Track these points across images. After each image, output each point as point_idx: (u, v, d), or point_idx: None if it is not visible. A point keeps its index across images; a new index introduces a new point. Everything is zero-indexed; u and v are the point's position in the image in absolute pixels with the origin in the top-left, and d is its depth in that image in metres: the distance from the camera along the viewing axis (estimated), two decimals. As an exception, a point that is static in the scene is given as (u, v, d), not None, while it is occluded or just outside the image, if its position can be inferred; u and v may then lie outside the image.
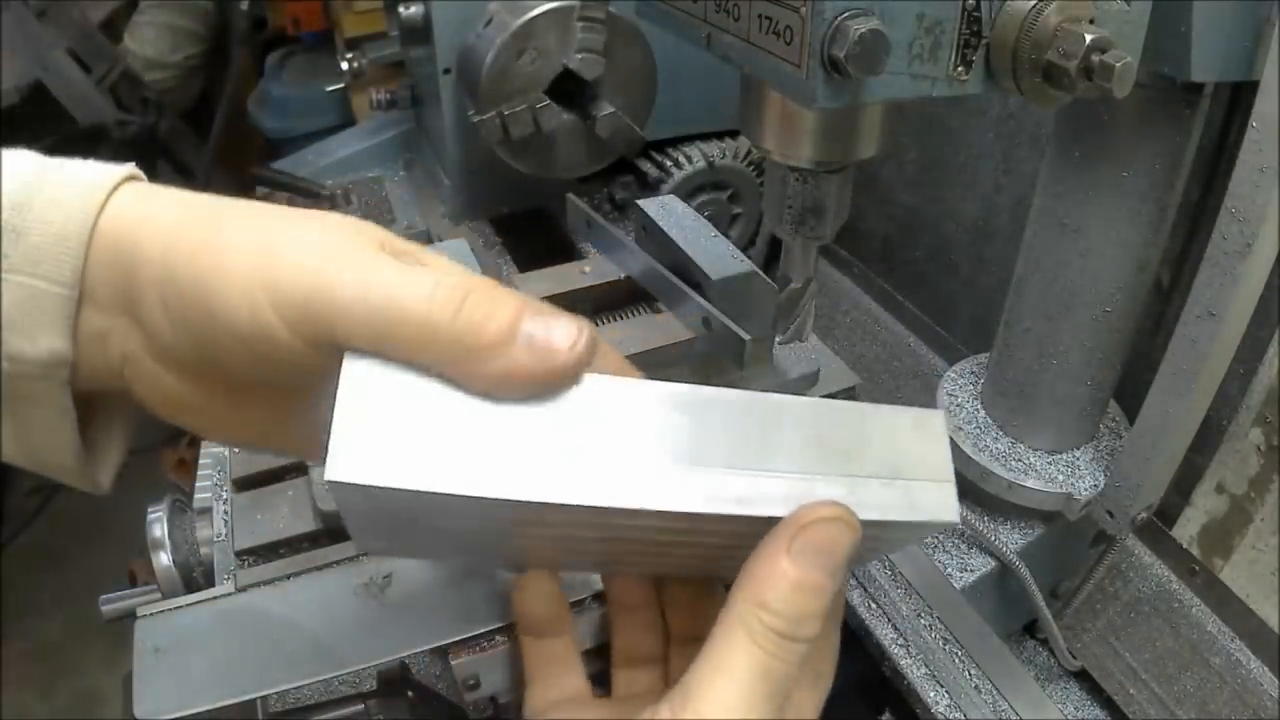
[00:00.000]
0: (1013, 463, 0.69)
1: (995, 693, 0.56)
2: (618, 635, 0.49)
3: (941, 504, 0.39)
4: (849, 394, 0.71)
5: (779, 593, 0.34)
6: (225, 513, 0.61)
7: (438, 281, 0.33)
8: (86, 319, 0.36)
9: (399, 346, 0.33)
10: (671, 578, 0.47)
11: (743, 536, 0.37)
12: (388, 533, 0.41)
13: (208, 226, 0.35)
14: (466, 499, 0.33)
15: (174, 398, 0.39)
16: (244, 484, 0.60)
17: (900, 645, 0.59)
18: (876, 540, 0.41)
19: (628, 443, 0.35)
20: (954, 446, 0.70)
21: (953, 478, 0.40)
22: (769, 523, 0.36)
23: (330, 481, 0.32)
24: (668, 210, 0.76)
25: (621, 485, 0.34)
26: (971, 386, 0.75)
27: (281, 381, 0.37)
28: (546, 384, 0.34)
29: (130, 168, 0.37)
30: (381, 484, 0.32)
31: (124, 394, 0.40)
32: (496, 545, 0.40)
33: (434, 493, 0.33)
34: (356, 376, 0.34)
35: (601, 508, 0.34)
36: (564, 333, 0.34)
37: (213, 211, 0.36)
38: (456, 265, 0.36)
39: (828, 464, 0.38)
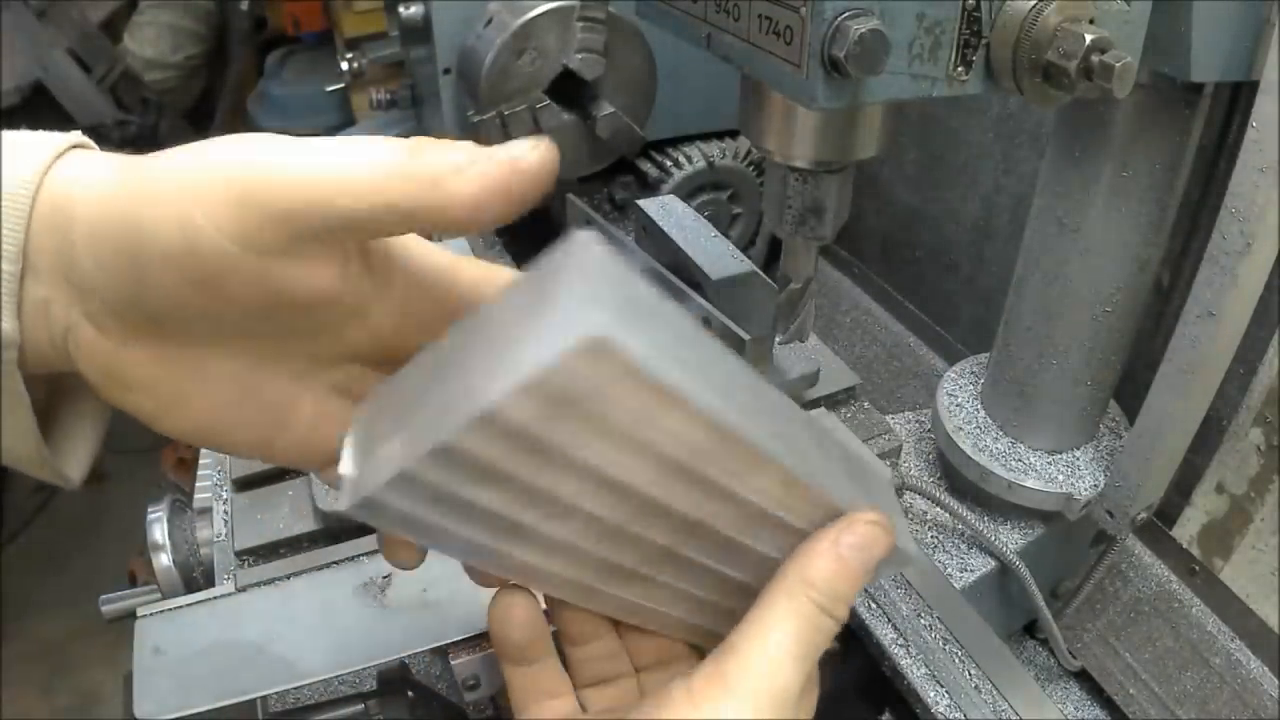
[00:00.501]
0: (1013, 463, 0.69)
1: (995, 693, 0.56)
2: (578, 668, 0.45)
3: (908, 542, 0.42)
4: (849, 394, 0.71)
5: (825, 572, 0.38)
6: (225, 513, 0.61)
7: (383, 139, 0.32)
8: (29, 290, 0.33)
9: (356, 203, 0.31)
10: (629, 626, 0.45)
11: (763, 536, 0.38)
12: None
13: (134, 168, 0.33)
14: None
15: (118, 371, 0.36)
16: (244, 484, 0.60)
17: (900, 645, 0.59)
18: None
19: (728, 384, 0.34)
20: (954, 446, 0.71)
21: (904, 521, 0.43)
22: (798, 532, 0.39)
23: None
24: (668, 210, 0.76)
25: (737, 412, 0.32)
26: (971, 386, 0.75)
27: (220, 310, 0.33)
28: (521, 193, 0.32)
29: (76, 135, 0.35)
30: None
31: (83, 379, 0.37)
32: (507, 542, 0.38)
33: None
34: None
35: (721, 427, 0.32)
36: (522, 144, 0.32)
37: (141, 159, 0.33)
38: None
39: (854, 483, 0.41)
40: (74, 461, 0.40)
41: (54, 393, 0.38)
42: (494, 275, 0.41)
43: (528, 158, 0.32)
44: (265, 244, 0.31)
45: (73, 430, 0.40)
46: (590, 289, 0.29)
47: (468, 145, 0.32)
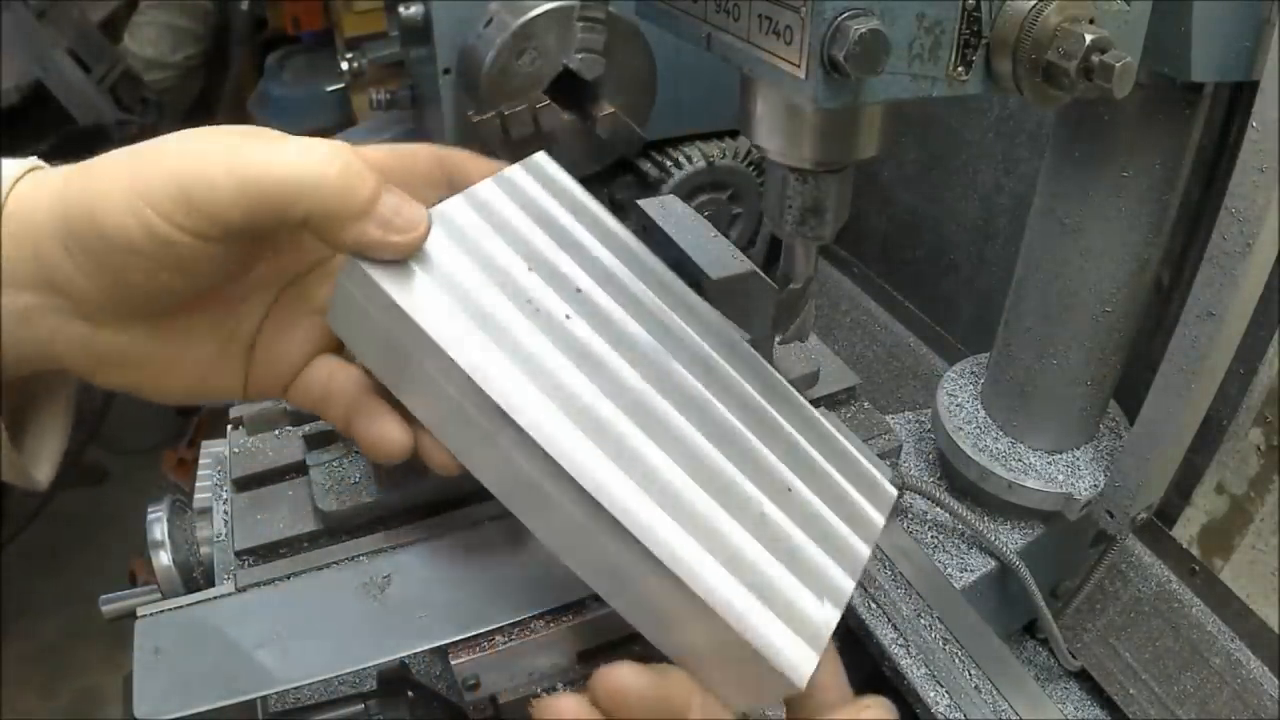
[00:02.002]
0: (1013, 463, 0.69)
1: (995, 693, 0.56)
2: None
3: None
4: (849, 394, 0.71)
5: None
6: (225, 513, 0.61)
7: (309, 145, 0.37)
8: (9, 301, 0.37)
9: (282, 211, 0.37)
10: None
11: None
12: (383, 356, 0.42)
13: (86, 170, 0.38)
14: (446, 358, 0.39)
15: (108, 354, 0.40)
16: (244, 484, 0.59)
17: (900, 645, 0.59)
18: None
19: None
20: (954, 446, 0.70)
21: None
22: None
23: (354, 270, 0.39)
24: (668, 210, 0.76)
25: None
26: (971, 386, 0.75)
27: (193, 286, 0.39)
28: (408, 245, 0.40)
29: (33, 160, 0.40)
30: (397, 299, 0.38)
31: (57, 384, 0.41)
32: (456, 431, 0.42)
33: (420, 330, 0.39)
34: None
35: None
36: (410, 217, 0.40)
37: (90, 162, 0.38)
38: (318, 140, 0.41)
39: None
40: (41, 465, 0.43)
41: (22, 399, 0.40)
42: (409, 159, 0.46)
43: (409, 239, 0.40)
44: (214, 235, 0.37)
45: (40, 435, 0.43)
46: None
47: (375, 182, 0.39)
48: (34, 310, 0.38)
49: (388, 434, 0.43)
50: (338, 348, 0.47)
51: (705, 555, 0.40)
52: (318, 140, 0.39)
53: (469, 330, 0.40)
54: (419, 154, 0.46)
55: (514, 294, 0.42)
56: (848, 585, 0.43)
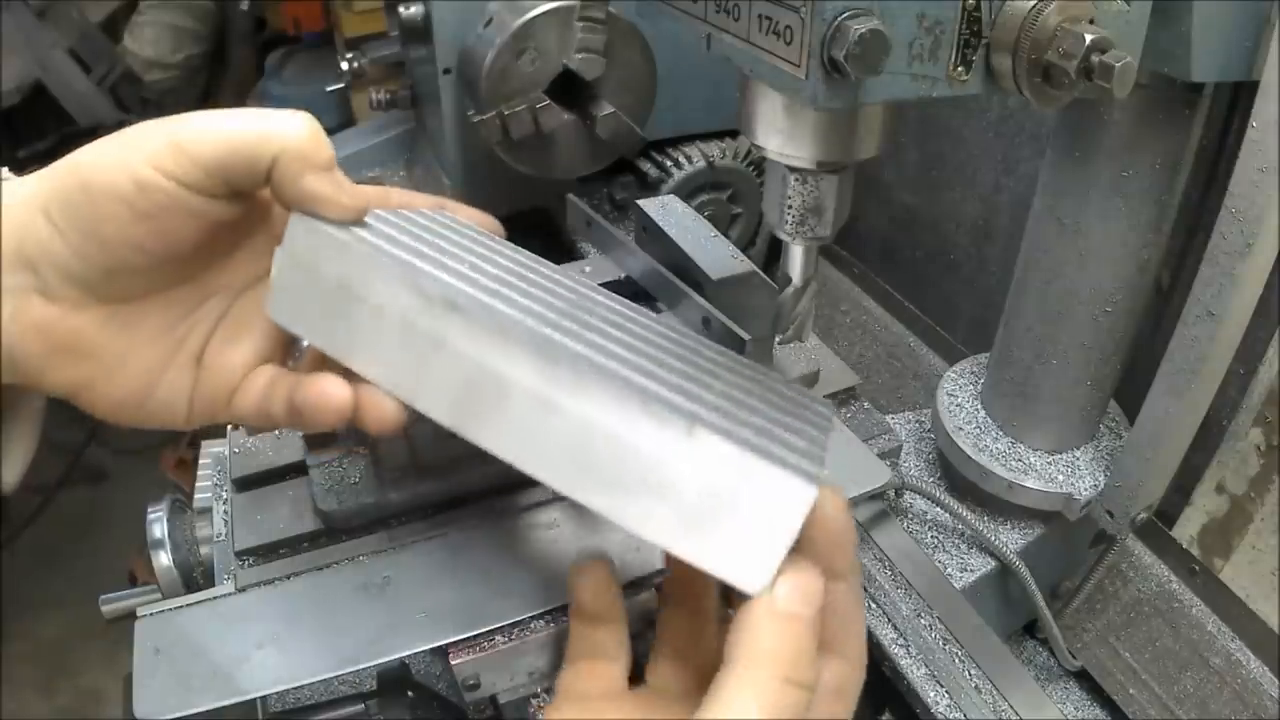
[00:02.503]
0: (1013, 463, 0.69)
1: (995, 693, 0.56)
2: (667, 627, 0.49)
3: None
4: (849, 394, 0.71)
5: (774, 642, 0.38)
6: (225, 513, 0.61)
7: (262, 114, 0.43)
8: None
9: (258, 149, 0.42)
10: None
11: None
12: (328, 311, 0.44)
13: (70, 156, 0.41)
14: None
15: (62, 340, 0.42)
16: (244, 484, 0.60)
17: (900, 645, 0.59)
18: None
19: None
20: (954, 446, 0.71)
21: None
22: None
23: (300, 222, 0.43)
24: (668, 210, 0.76)
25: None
26: (971, 386, 0.75)
27: (163, 245, 0.42)
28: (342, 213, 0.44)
29: (4, 170, 0.44)
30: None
31: (26, 384, 0.43)
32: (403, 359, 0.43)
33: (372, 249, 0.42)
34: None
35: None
36: (356, 189, 0.44)
37: (73, 153, 0.42)
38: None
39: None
40: (10, 467, 0.45)
41: None
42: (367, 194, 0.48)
43: (340, 203, 0.44)
44: (195, 182, 0.41)
45: (12, 437, 0.45)
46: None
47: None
48: (4, 290, 0.41)
49: (327, 390, 0.44)
50: (280, 361, 0.49)
51: (676, 395, 0.40)
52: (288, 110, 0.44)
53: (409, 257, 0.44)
54: (376, 195, 0.49)
55: (421, 252, 0.45)
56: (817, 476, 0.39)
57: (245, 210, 0.46)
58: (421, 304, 0.42)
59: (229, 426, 0.62)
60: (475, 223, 0.55)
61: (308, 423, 0.45)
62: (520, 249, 0.54)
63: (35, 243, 0.40)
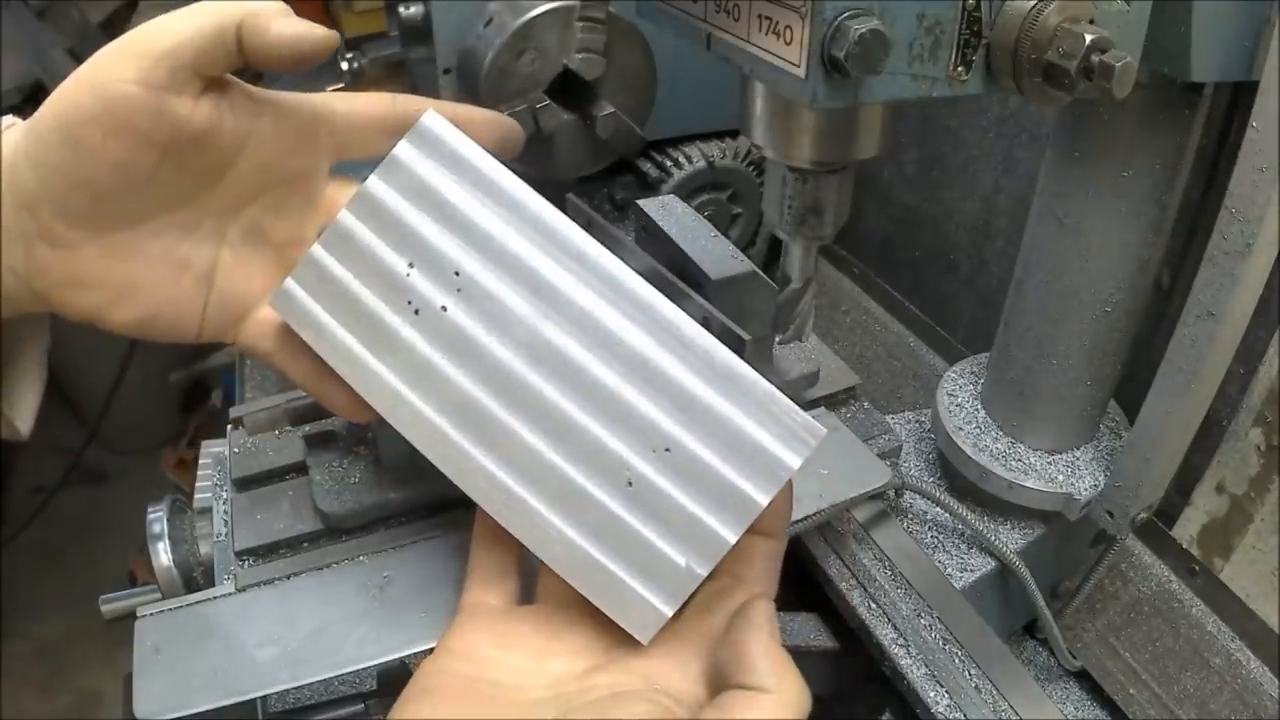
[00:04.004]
0: (1013, 463, 0.69)
1: (995, 693, 0.56)
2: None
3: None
4: (849, 394, 0.71)
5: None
6: (225, 513, 0.61)
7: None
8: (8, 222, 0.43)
9: (211, 41, 0.43)
10: None
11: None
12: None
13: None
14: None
15: (73, 273, 0.44)
16: (244, 484, 0.60)
17: (900, 645, 0.59)
18: None
19: None
20: (954, 446, 0.70)
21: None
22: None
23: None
24: (668, 210, 0.76)
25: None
26: (971, 386, 0.75)
27: (139, 155, 0.43)
28: (315, 51, 0.46)
29: (10, 118, 0.45)
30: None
31: (29, 335, 0.46)
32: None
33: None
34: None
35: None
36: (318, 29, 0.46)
37: None
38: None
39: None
40: (23, 414, 0.47)
41: None
42: (360, 102, 0.51)
43: (314, 34, 0.46)
44: (158, 80, 0.42)
45: (17, 385, 0.47)
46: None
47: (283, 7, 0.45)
48: (10, 235, 0.43)
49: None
50: None
51: (561, 525, 0.44)
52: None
53: (355, 344, 0.47)
54: (370, 101, 0.51)
55: (394, 298, 0.47)
56: (729, 537, 0.42)
57: (226, 116, 0.46)
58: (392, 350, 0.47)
59: (228, 426, 0.62)
60: (482, 124, 0.51)
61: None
62: (495, 186, 0.49)
63: (27, 194, 0.43)
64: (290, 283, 0.48)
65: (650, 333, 0.45)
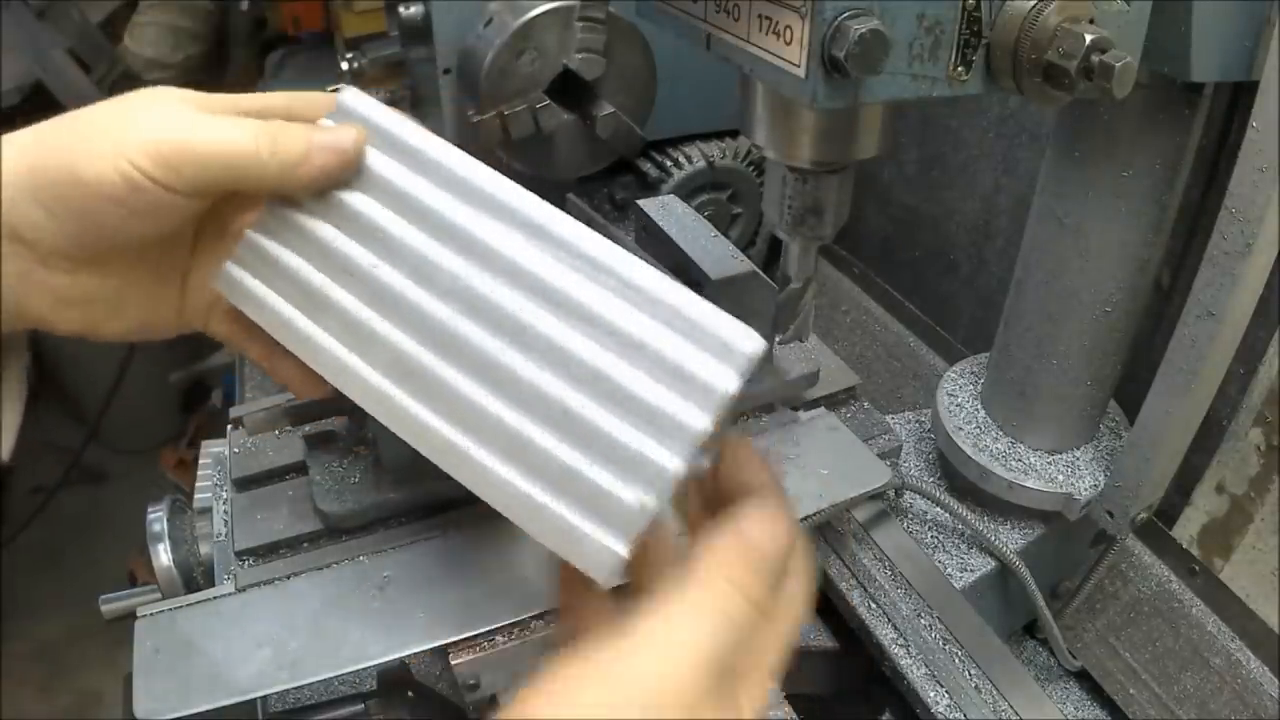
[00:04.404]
0: (1013, 463, 0.69)
1: (995, 693, 0.56)
2: None
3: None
4: (849, 394, 0.71)
5: (733, 557, 0.39)
6: (225, 513, 0.61)
7: (255, 133, 0.45)
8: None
9: (238, 179, 0.45)
10: None
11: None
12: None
13: (60, 127, 0.44)
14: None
15: (68, 295, 0.46)
16: (244, 484, 0.60)
17: (900, 645, 0.59)
18: None
19: None
20: (954, 446, 0.70)
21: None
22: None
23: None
24: (668, 210, 0.76)
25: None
26: (971, 386, 0.75)
27: (155, 231, 0.45)
28: (343, 170, 0.47)
29: None
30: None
31: (10, 359, 0.44)
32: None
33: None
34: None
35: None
36: (345, 134, 0.48)
37: (62, 118, 0.45)
38: (261, 99, 0.49)
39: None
40: (3, 437, 0.45)
41: None
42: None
43: (346, 147, 0.47)
44: (183, 189, 0.44)
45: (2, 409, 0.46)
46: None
47: (308, 134, 0.47)
48: (8, 261, 0.43)
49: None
50: None
51: (507, 473, 0.44)
52: (248, 122, 0.46)
53: (294, 314, 0.49)
54: (275, 103, 0.52)
55: (326, 264, 0.49)
56: (673, 465, 0.41)
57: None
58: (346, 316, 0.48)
59: (228, 426, 0.62)
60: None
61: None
62: (411, 150, 0.50)
63: (30, 225, 0.43)
64: (230, 265, 0.50)
65: (574, 268, 0.44)
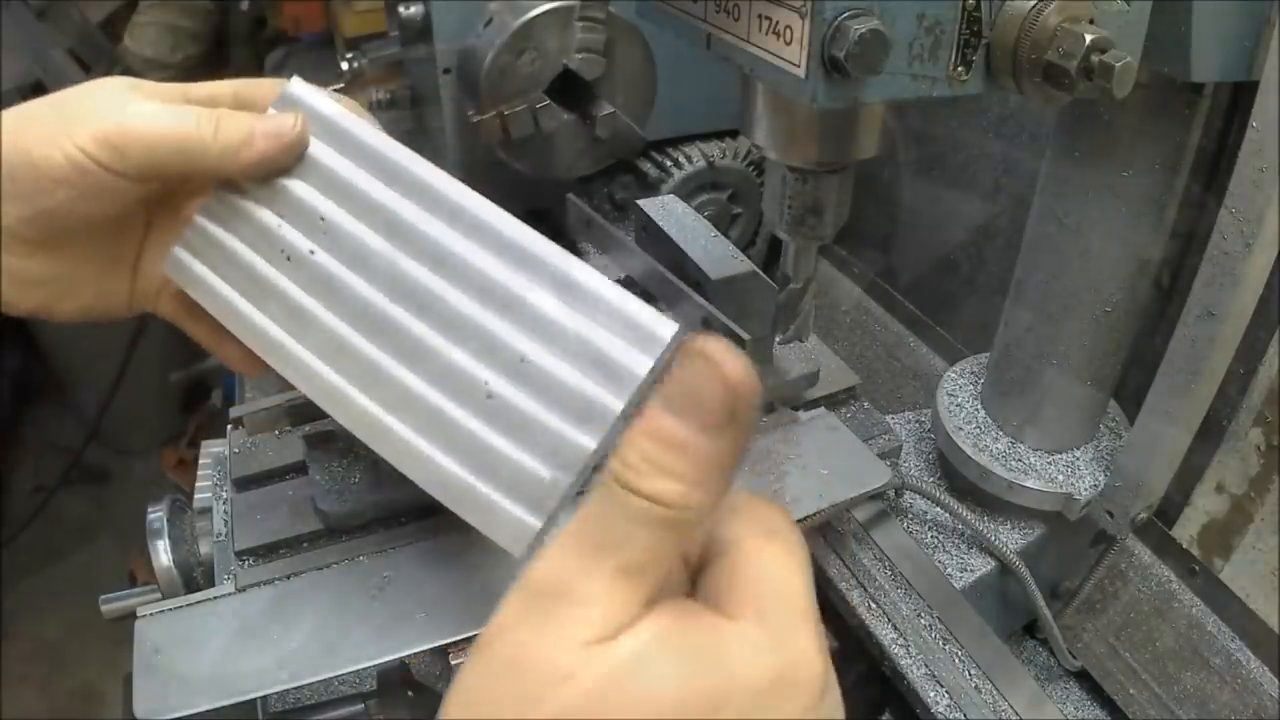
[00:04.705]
0: (1013, 463, 0.69)
1: (995, 693, 0.56)
2: None
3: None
4: (849, 394, 0.71)
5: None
6: (225, 513, 0.61)
7: (198, 118, 0.47)
8: None
9: (182, 162, 0.47)
10: None
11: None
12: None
13: (17, 114, 0.47)
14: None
15: (24, 276, 0.49)
16: (244, 484, 0.60)
17: (900, 645, 0.59)
18: None
19: None
20: (954, 446, 0.70)
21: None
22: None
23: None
24: (668, 210, 0.76)
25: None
26: (971, 386, 0.75)
27: (102, 213, 0.48)
28: (284, 156, 0.49)
29: None
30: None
31: None
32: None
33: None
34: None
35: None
36: (286, 120, 0.49)
37: (20, 105, 0.47)
38: (209, 87, 0.51)
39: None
40: None
41: None
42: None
43: (286, 134, 0.49)
44: (128, 172, 0.46)
45: None
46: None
47: (251, 121, 0.48)
48: None
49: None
50: None
51: (428, 449, 0.45)
52: (192, 108, 0.48)
53: (237, 298, 0.51)
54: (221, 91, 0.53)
55: (269, 251, 0.50)
56: (587, 445, 0.42)
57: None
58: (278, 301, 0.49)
59: (228, 426, 0.62)
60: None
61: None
62: (352, 138, 0.52)
63: None
64: (178, 250, 0.52)
65: (498, 255, 0.46)
